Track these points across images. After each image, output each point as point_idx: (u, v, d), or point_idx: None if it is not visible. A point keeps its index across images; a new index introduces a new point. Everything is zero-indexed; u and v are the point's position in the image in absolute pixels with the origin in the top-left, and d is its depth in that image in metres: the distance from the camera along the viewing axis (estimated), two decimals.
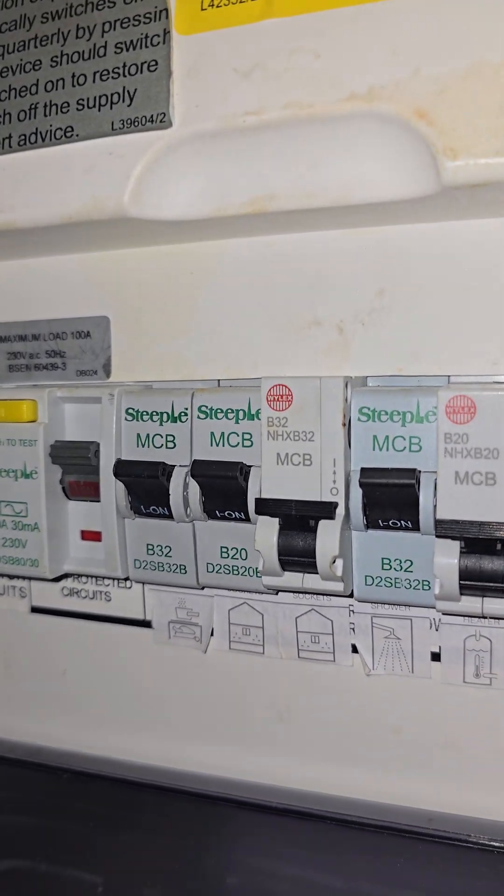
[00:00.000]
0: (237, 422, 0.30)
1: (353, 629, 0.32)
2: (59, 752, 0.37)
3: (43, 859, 0.38)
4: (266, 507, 0.29)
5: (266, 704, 0.33)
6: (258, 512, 0.29)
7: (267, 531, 0.29)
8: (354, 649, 0.32)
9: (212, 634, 0.34)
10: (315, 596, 0.32)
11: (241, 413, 0.30)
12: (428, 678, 0.31)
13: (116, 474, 0.31)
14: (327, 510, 0.28)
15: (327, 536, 0.28)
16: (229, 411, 0.30)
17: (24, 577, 0.36)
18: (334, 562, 0.28)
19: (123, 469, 0.31)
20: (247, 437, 0.30)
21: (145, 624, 0.35)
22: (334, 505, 0.28)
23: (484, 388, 0.27)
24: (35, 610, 0.37)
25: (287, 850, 0.34)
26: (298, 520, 0.29)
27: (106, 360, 0.34)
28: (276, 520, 0.29)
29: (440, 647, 0.31)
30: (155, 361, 0.33)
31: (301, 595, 0.32)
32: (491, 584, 0.27)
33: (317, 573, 0.29)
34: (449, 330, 0.29)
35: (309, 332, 0.31)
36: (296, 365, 0.31)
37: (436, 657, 0.31)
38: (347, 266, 0.30)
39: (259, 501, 0.29)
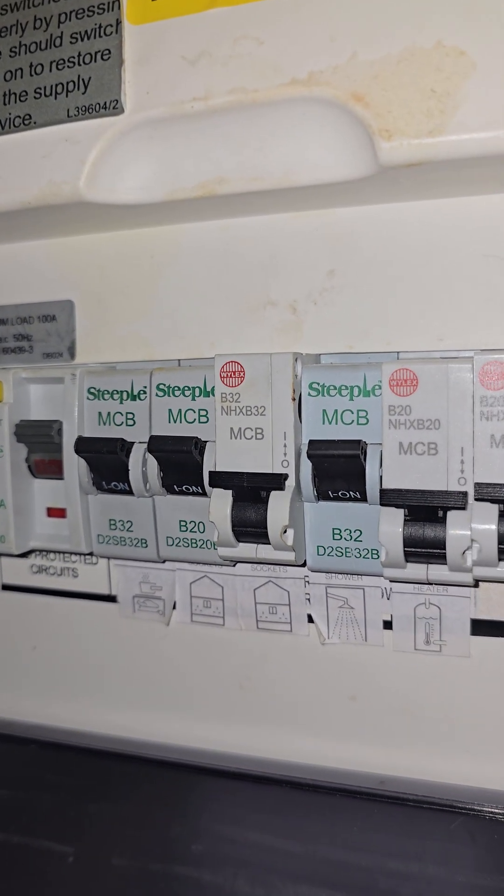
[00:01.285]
0: (193, 398, 0.31)
1: (309, 599, 0.33)
2: (29, 725, 0.38)
3: (14, 831, 0.39)
4: (219, 479, 0.30)
5: (227, 674, 0.34)
6: (212, 484, 0.30)
7: (221, 503, 0.30)
8: (310, 619, 0.33)
9: (174, 608, 0.35)
10: (272, 568, 0.33)
11: (197, 390, 0.31)
12: (381, 646, 0.32)
13: (78, 451, 0.32)
14: (277, 481, 0.29)
15: (278, 507, 0.29)
16: (186, 389, 0.31)
17: None
18: (285, 531, 0.29)
19: (84, 446, 0.32)
20: (203, 413, 0.31)
21: (111, 599, 0.36)
22: (284, 476, 0.29)
23: (426, 362, 0.28)
24: (5, 588, 0.38)
25: (248, 815, 0.35)
26: (251, 491, 0.30)
27: (71, 342, 0.35)
28: (230, 492, 0.30)
29: (392, 616, 0.32)
30: (118, 343, 0.34)
31: (259, 567, 0.33)
32: (434, 551, 0.28)
33: (269, 543, 0.30)
34: (396, 308, 0.30)
35: (264, 312, 0.32)
36: (252, 344, 0.32)
37: (388, 625, 0.32)
38: (299, 248, 0.31)
39: (213, 474, 0.30)
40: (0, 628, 0.38)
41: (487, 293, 0.29)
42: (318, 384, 0.30)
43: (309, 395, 0.30)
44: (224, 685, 0.35)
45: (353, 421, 0.30)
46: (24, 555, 0.37)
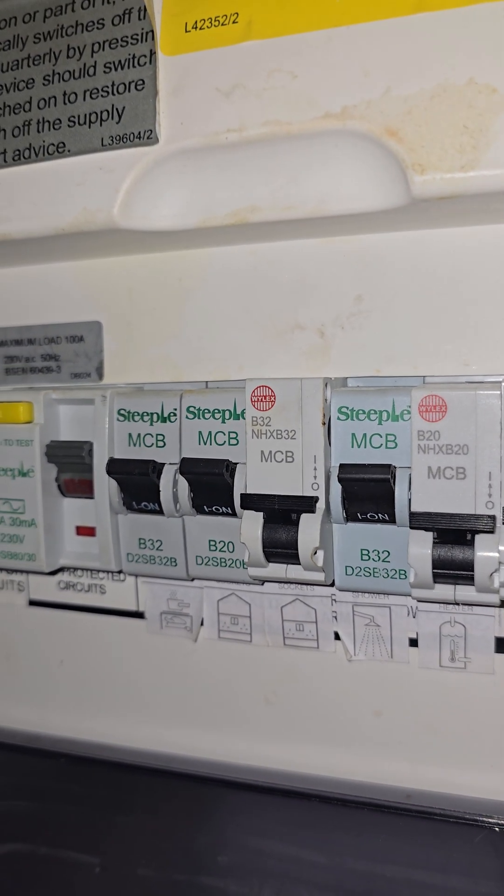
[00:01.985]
0: (224, 421, 0.32)
1: (336, 617, 0.33)
2: (57, 739, 0.38)
3: (42, 842, 0.39)
4: (251, 501, 0.30)
5: (254, 690, 0.35)
6: (243, 506, 0.31)
7: (252, 525, 0.31)
8: (337, 636, 0.34)
9: (202, 624, 0.36)
10: (299, 586, 0.34)
11: (227, 413, 0.32)
12: (406, 663, 0.33)
13: (109, 472, 0.32)
14: (308, 504, 0.30)
15: (308, 529, 0.30)
16: (216, 411, 0.32)
17: (21, 571, 0.38)
18: (315, 553, 0.30)
19: (116, 467, 0.32)
20: (233, 435, 0.32)
21: (138, 615, 0.37)
22: (315, 499, 0.30)
23: (454, 388, 0.29)
24: (33, 603, 0.39)
25: (274, 828, 0.35)
26: (281, 514, 0.30)
27: (99, 363, 0.35)
28: (261, 514, 0.30)
29: (417, 634, 0.32)
30: (146, 364, 0.35)
31: (286, 585, 0.34)
32: (462, 573, 0.29)
33: (299, 564, 0.30)
34: (423, 333, 0.31)
35: (292, 335, 0.33)
36: (279, 367, 0.33)
37: (413, 643, 0.33)
38: (328, 273, 0.32)
39: (244, 497, 0.31)
40: (28, 643, 0.39)
41: None
42: (348, 408, 0.30)
43: (338, 418, 0.30)
44: (251, 700, 0.35)
45: (381, 445, 0.30)
46: (53, 572, 0.38)
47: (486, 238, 0.30)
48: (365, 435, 0.30)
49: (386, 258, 0.31)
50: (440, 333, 0.31)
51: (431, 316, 0.31)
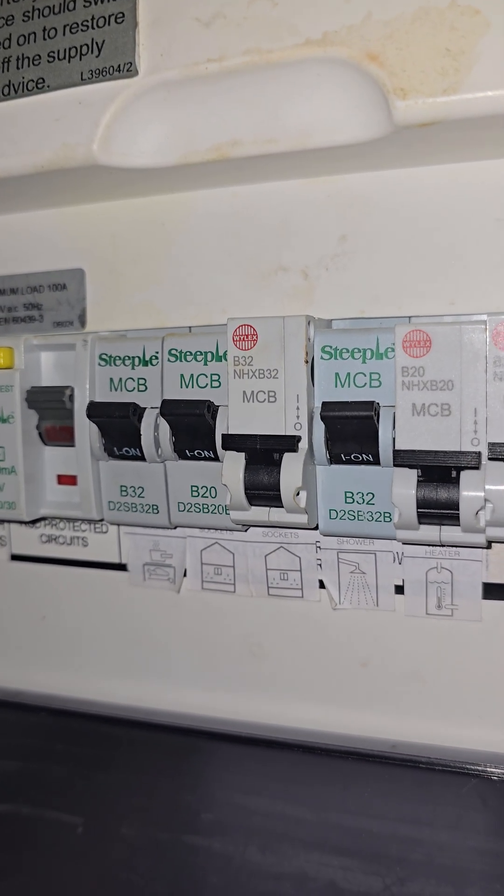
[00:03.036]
0: (206, 363, 0.31)
1: (320, 565, 0.33)
2: (38, 695, 0.38)
3: (25, 802, 0.39)
4: (232, 442, 0.30)
5: (238, 642, 0.35)
6: (225, 447, 0.30)
7: (233, 466, 0.30)
8: (322, 585, 0.33)
9: (185, 575, 0.35)
10: (283, 534, 0.33)
11: (209, 355, 0.31)
12: (392, 611, 0.32)
13: (89, 416, 0.32)
14: (290, 443, 0.29)
15: (291, 469, 0.29)
16: (198, 353, 0.31)
17: (2, 522, 0.38)
18: (298, 493, 0.29)
19: (96, 410, 0.32)
20: (215, 377, 0.31)
21: (121, 567, 0.36)
22: (297, 438, 0.29)
23: (439, 324, 0.28)
24: (14, 558, 0.38)
25: (259, 783, 0.35)
26: (263, 454, 0.30)
27: (81, 311, 0.35)
28: (243, 455, 0.30)
29: (403, 580, 0.32)
30: (129, 311, 0.34)
31: (270, 534, 0.33)
32: (447, 512, 0.28)
33: (282, 507, 0.30)
34: (408, 273, 0.31)
35: (275, 277, 0.32)
36: (263, 310, 0.32)
37: (399, 590, 0.32)
38: (311, 214, 0.32)
39: (225, 437, 0.30)
40: (10, 599, 0.38)
41: (499, 257, 0.29)
42: (331, 347, 0.30)
43: (322, 358, 0.30)
44: (235, 652, 0.35)
45: (365, 384, 0.30)
46: (34, 524, 0.37)
47: (469, 176, 0.30)
48: (349, 374, 0.30)
49: (370, 198, 0.31)
50: (425, 273, 0.30)
51: (416, 256, 0.30)
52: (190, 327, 0.33)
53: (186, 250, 0.33)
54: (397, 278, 0.31)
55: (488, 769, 0.31)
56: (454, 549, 0.31)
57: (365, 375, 0.30)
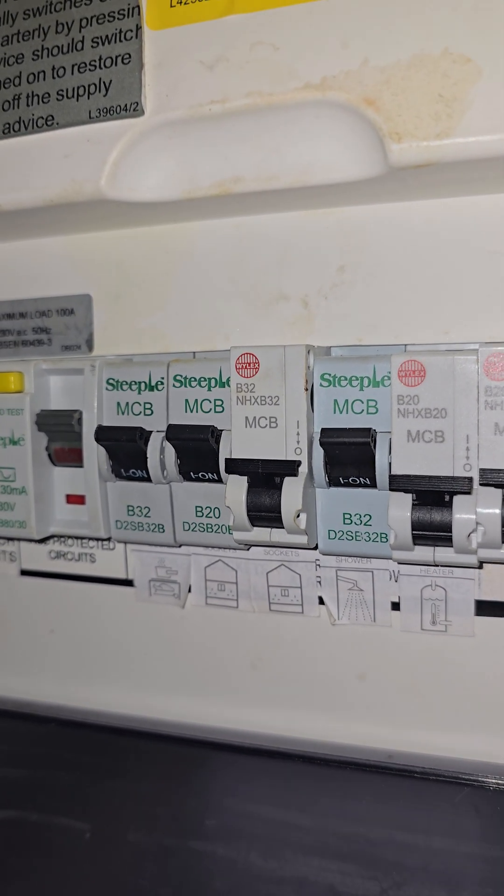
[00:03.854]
0: (209, 389, 0.33)
1: (320, 582, 0.34)
2: (48, 706, 0.39)
3: (33, 809, 0.40)
4: (235, 466, 0.31)
5: (240, 655, 0.36)
6: (228, 471, 0.31)
7: (236, 489, 0.31)
8: (321, 601, 0.34)
9: (189, 591, 0.36)
10: (284, 552, 0.34)
11: (213, 381, 0.33)
12: (389, 626, 0.33)
13: (98, 439, 0.33)
14: (290, 468, 0.31)
15: (291, 492, 0.31)
16: (202, 379, 0.33)
17: (13, 539, 0.39)
18: (298, 516, 0.31)
19: (104, 434, 0.33)
20: (218, 403, 0.33)
21: (128, 583, 0.37)
22: (297, 463, 0.31)
23: (433, 354, 0.29)
24: (24, 573, 0.39)
25: (261, 791, 0.36)
26: (265, 478, 0.31)
27: (89, 335, 0.36)
28: (245, 478, 0.31)
29: (399, 597, 0.33)
30: (135, 336, 0.36)
31: (271, 552, 0.35)
32: (440, 534, 0.29)
33: (283, 527, 0.31)
34: (404, 302, 0.32)
35: (276, 306, 0.33)
36: (264, 337, 0.34)
37: (395, 606, 0.33)
38: (311, 245, 0.33)
39: (229, 461, 0.31)
40: (19, 613, 0.40)
41: (491, 288, 0.31)
42: (330, 375, 0.31)
43: (321, 385, 0.31)
44: (237, 665, 0.36)
45: (363, 410, 0.31)
46: (43, 541, 0.38)
47: (463, 210, 0.31)
48: (347, 401, 0.31)
49: (367, 230, 0.32)
50: (420, 303, 0.31)
51: (412, 286, 0.32)
52: (194, 353, 0.35)
53: (190, 278, 0.35)
54: (394, 307, 0.32)
55: (481, 778, 0.32)
56: (448, 568, 0.32)
57: (362, 402, 0.31)
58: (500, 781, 0.32)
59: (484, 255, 0.31)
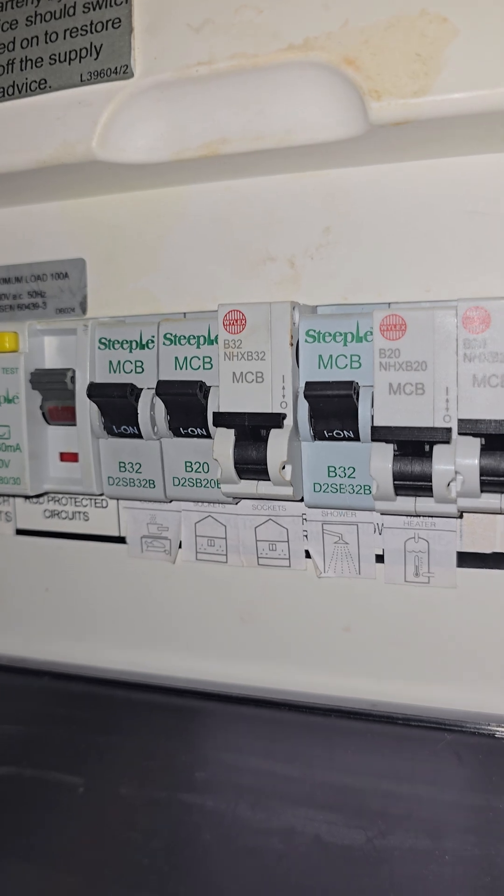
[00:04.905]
0: (198, 346, 0.34)
1: (306, 536, 0.35)
2: (42, 661, 0.40)
3: (28, 765, 0.41)
4: (222, 419, 0.32)
5: (230, 609, 0.37)
6: (215, 424, 0.32)
7: (224, 442, 0.32)
8: (307, 554, 0.35)
9: (180, 547, 0.37)
10: (272, 507, 0.35)
11: (201, 339, 0.33)
12: (373, 579, 0.34)
13: (89, 396, 0.34)
14: (276, 420, 0.32)
15: (277, 444, 0.31)
16: (191, 337, 0.34)
17: (7, 496, 0.40)
18: (283, 467, 0.31)
19: (96, 391, 0.34)
20: (207, 360, 0.33)
21: (120, 540, 0.38)
22: (283, 416, 0.32)
23: (414, 309, 0.30)
24: (20, 532, 0.40)
25: (250, 742, 0.37)
26: (251, 431, 0.32)
27: (83, 298, 0.37)
28: (232, 431, 0.32)
29: (383, 550, 0.34)
30: (127, 298, 0.37)
31: (259, 507, 0.36)
32: (421, 484, 0.30)
33: (269, 480, 0.32)
34: (387, 261, 0.33)
35: (264, 267, 0.34)
36: (253, 297, 0.34)
37: (380, 559, 0.34)
38: (297, 206, 0.34)
39: (216, 415, 0.32)
40: (15, 572, 0.41)
41: (470, 247, 0.31)
42: (315, 331, 0.32)
43: (306, 341, 0.32)
44: (226, 619, 0.37)
45: (346, 365, 0.32)
46: (38, 500, 0.39)
47: (443, 171, 0.32)
48: (331, 356, 0.32)
49: (352, 191, 0.33)
50: (403, 262, 0.32)
51: (394, 246, 0.32)
52: (184, 313, 0.36)
53: (181, 241, 0.35)
54: (377, 267, 0.33)
55: (461, 727, 0.33)
56: (431, 519, 0.33)
57: (346, 357, 0.32)
58: (481, 729, 0.33)
59: (464, 214, 0.31)
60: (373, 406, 0.31)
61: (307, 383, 0.31)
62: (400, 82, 0.28)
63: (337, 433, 0.32)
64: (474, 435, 0.30)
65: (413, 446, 0.30)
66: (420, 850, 0.35)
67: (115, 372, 0.35)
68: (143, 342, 0.34)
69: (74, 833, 0.40)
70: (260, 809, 0.37)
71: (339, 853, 0.36)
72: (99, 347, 0.35)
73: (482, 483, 0.29)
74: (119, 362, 0.35)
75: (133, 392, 0.34)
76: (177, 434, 0.34)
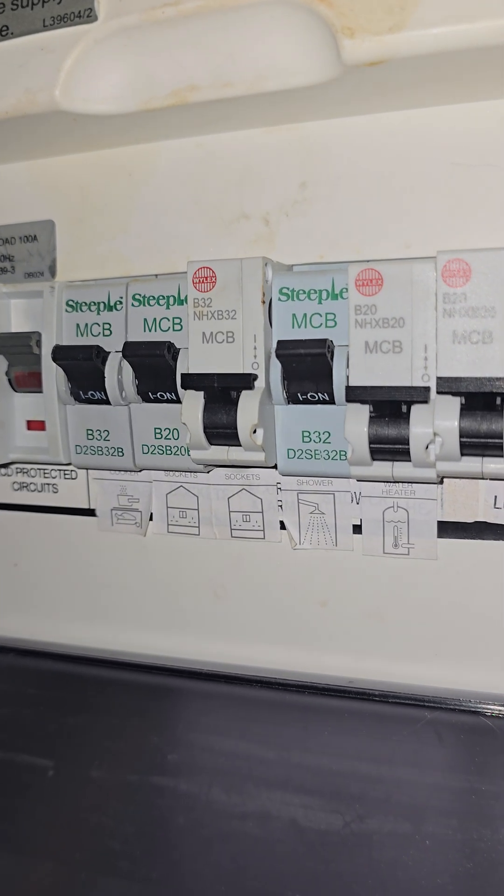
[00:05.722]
0: (168, 307, 0.32)
1: (281, 506, 0.34)
2: (9, 639, 0.39)
3: None
4: (190, 381, 0.31)
5: (203, 584, 0.35)
6: (184, 386, 0.31)
7: (193, 405, 0.31)
8: (283, 526, 0.34)
9: (151, 519, 0.36)
10: (245, 476, 0.34)
11: (171, 299, 0.32)
12: (350, 550, 0.33)
13: (54, 359, 0.33)
14: (246, 381, 0.30)
15: (247, 406, 0.30)
16: (161, 298, 0.32)
17: None
18: (255, 431, 0.30)
19: (61, 353, 0.33)
20: (177, 321, 0.32)
21: (90, 513, 0.37)
22: (253, 376, 0.30)
23: (391, 263, 0.29)
24: None
25: (223, 723, 0.36)
26: (221, 393, 0.31)
27: (52, 261, 0.36)
28: (202, 394, 0.31)
29: (361, 520, 0.32)
30: (98, 261, 0.35)
31: (232, 476, 0.34)
32: (398, 447, 0.29)
33: (240, 445, 0.31)
34: (365, 217, 0.31)
35: (238, 225, 0.33)
36: (227, 256, 0.33)
37: (357, 530, 0.33)
38: (272, 161, 0.32)
39: (185, 376, 0.31)
40: None
41: (452, 201, 0.30)
42: (288, 289, 0.31)
43: (279, 299, 0.31)
44: (199, 594, 0.35)
45: (321, 324, 0.30)
46: (6, 472, 0.38)
47: (424, 121, 0.30)
48: (305, 315, 0.31)
49: (328, 145, 0.31)
50: (382, 218, 0.31)
51: (373, 200, 0.31)
52: (156, 275, 0.34)
53: (152, 200, 0.34)
54: (355, 223, 0.31)
55: (445, 705, 0.32)
56: (410, 487, 0.32)
57: (321, 316, 0.30)
58: (463, 706, 0.31)
59: (447, 166, 0.30)
60: (348, 366, 0.30)
61: (279, 342, 0.30)
62: (374, 17, 0.26)
63: (311, 396, 0.31)
64: (454, 394, 0.28)
65: (390, 407, 0.29)
66: (400, 834, 0.33)
67: (82, 335, 0.33)
68: (111, 304, 0.33)
69: (44, 817, 0.39)
70: (234, 793, 0.36)
71: (316, 838, 0.35)
72: (66, 310, 0.33)
73: (462, 445, 0.28)
74: (87, 325, 0.33)
75: (99, 354, 0.32)
76: (146, 399, 0.33)
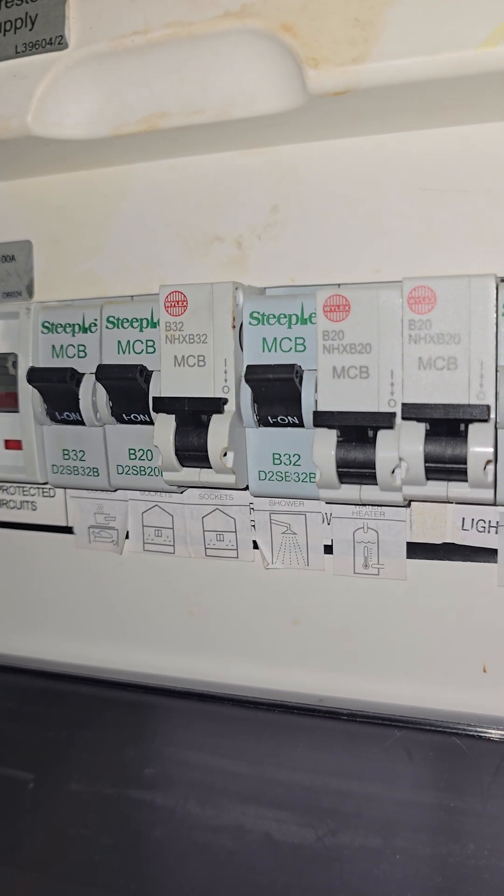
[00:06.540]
0: (141, 330, 0.32)
1: (254, 526, 0.34)
2: None
3: None
4: (162, 404, 0.31)
5: (178, 601, 0.36)
6: (155, 409, 0.31)
7: (164, 428, 0.31)
8: (255, 545, 0.34)
9: (127, 537, 0.36)
10: (219, 496, 0.34)
11: (144, 322, 0.32)
12: (322, 570, 0.33)
13: (30, 380, 0.33)
14: (216, 405, 0.30)
15: (218, 430, 0.30)
16: (134, 320, 0.33)
17: None
18: (225, 454, 0.30)
19: (35, 375, 0.33)
20: (150, 344, 0.32)
21: (67, 530, 0.37)
22: (224, 400, 0.30)
23: (358, 288, 0.29)
24: None
25: (198, 738, 0.36)
26: (193, 416, 0.31)
27: (29, 281, 0.36)
28: (173, 417, 0.31)
29: (332, 540, 0.33)
30: (74, 281, 0.36)
31: (206, 496, 0.34)
32: (366, 471, 0.29)
33: (211, 467, 0.31)
34: (336, 241, 0.31)
35: (211, 247, 0.33)
36: (200, 278, 0.33)
37: (329, 550, 0.33)
38: (244, 185, 0.33)
39: (156, 399, 0.31)
40: None
41: (421, 226, 0.30)
42: (259, 313, 0.31)
43: (250, 324, 0.31)
44: (174, 612, 0.36)
45: (291, 349, 0.31)
46: None
47: (392, 147, 0.31)
48: (275, 339, 0.31)
49: (300, 168, 0.32)
50: (352, 242, 0.31)
51: (343, 225, 0.31)
52: (132, 296, 0.35)
53: (127, 222, 0.34)
54: (326, 247, 0.32)
55: (414, 723, 0.32)
56: (380, 509, 0.32)
57: (291, 340, 0.31)
58: (432, 725, 0.32)
59: (415, 191, 0.30)
60: (316, 391, 0.30)
61: (248, 367, 0.30)
62: (339, 49, 0.26)
63: (281, 419, 0.31)
64: (419, 420, 0.28)
65: (357, 432, 0.29)
66: (371, 848, 0.34)
67: (58, 356, 0.34)
68: (86, 325, 0.33)
69: (24, 829, 0.40)
70: (210, 807, 0.36)
71: (289, 851, 0.35)
72: (42, 331, 0.34)
73: (427, 470, 0.28)
74: (62, 346, 0.34)
75: (73, 376, 0.32)
76: (120, 420, 0.33)
